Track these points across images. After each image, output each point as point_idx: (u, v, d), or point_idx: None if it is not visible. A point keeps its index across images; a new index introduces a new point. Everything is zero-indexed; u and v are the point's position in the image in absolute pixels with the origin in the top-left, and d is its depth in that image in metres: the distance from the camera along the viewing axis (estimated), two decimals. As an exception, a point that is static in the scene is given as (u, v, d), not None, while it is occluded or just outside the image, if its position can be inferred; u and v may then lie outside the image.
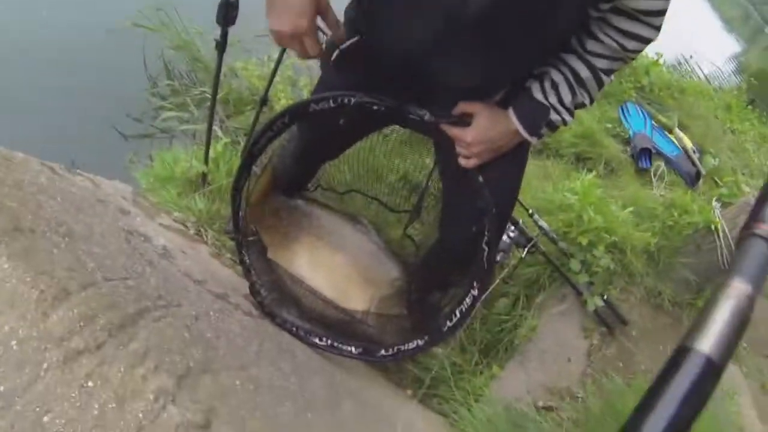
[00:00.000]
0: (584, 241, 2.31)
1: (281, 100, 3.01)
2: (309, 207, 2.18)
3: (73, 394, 0.94)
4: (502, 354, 2.26)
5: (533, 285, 2.45)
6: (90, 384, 0.97)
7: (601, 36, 1.20)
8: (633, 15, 1.14)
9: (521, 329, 2.25)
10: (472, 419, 1.87)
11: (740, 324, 0.43)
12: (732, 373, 2.34)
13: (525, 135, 1.34)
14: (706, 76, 6.92)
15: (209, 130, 2.33)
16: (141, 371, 1.05)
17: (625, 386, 2.04)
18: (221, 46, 1.94)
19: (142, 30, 3.54)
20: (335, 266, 2.08)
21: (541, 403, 2.07)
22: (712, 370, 0.41)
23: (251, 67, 3.27)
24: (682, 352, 0.42)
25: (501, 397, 2.05)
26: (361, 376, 1.95)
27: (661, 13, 1.14)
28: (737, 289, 0.44)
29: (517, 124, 1.33)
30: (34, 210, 1.24)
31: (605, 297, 2.31)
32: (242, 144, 2.83)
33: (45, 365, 0.95)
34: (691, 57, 6.92)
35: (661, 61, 4.93)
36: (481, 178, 1.42)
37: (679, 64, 6.70)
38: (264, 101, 2.37)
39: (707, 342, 0.42)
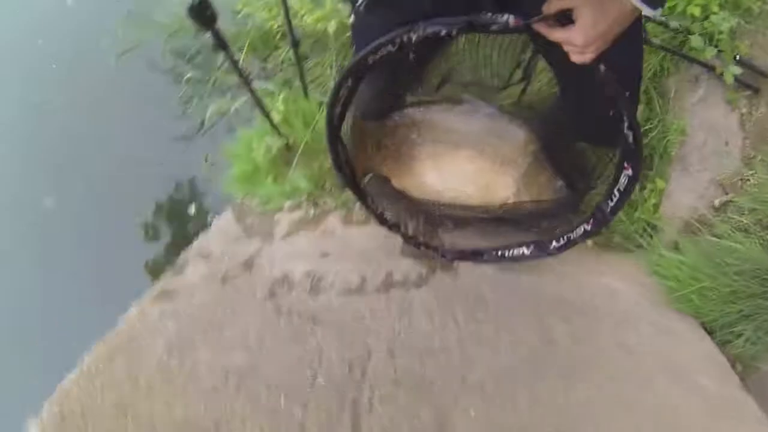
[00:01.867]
0: (696, 12, 2.02)
1: (305, 17, 2.68)
2: (407, 116, 1.96)
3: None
4: (658, 164, 2.12)
5: (659, 79, 2.20)
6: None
7: None
8: None
9: (670, 135, 2.08)
10: (660, 257, 1.89)
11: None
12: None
13: (649, 12, 1.06)
14: None
15: (258, 101, 2.17)
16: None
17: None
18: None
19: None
20: (463, 163, 1.94)
21: (717, 202, 1.99)
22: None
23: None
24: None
25: (676, 216, 2.01)
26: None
27: None
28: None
29: (637, 3, 1.05)
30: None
31: (738, 58, 2.04)
32: (297, 83, 2.54)
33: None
34: None
35: None
36: (603, 68, 1.24)
37: None
38: (296, 43, 2.20)
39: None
